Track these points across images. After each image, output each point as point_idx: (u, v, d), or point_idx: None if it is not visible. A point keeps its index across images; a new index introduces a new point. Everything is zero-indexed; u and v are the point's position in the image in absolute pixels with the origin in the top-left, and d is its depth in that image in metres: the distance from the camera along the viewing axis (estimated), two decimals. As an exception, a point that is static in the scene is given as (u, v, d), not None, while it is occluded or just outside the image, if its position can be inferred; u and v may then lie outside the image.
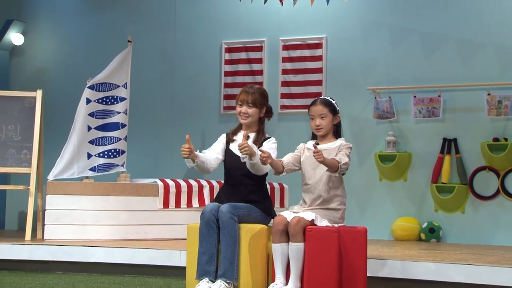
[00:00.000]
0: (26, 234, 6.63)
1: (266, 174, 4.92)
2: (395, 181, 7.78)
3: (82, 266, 6.01)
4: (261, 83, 8.27)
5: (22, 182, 7.43)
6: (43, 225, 6.80)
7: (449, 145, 7.58)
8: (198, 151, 4.82)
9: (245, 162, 4.71)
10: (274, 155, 4.79)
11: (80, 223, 6.68)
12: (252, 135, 4.92)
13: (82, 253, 6.01)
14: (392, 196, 7.79)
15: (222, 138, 5.04)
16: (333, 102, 4.79)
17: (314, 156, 4.45)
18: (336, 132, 4.79)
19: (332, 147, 4.71)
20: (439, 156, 7.58)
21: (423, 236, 7.46)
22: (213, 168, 4.91)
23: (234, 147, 4.93)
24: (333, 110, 4.76)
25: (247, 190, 4.83)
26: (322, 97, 4.88)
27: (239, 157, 4.81)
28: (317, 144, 4.70)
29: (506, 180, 7.37)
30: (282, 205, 7.41)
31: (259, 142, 4.89)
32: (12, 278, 5.58)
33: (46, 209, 6.77)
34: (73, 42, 9.20)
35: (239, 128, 5.02)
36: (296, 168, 4.80)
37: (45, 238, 6.70)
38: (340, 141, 4.75)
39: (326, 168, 4.54)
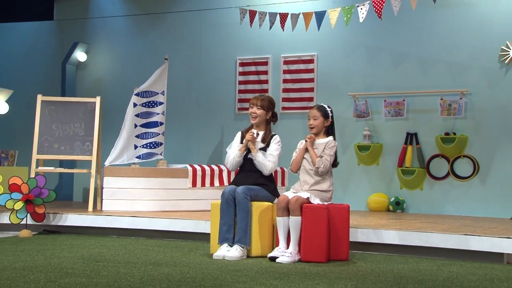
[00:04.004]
0: (89, 206, 6.64)
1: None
2: (370, 165, 7.74)
3: (131, 231, 6.01)
4: (266, 90, 8.24)
5: (86, 166, 7.44)
6: (102, 199, 6.81)
7: (411, 138, 7.53)
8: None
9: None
10: (277, 153, 4.79)
11: (129, 198, 6.68)
12: (261, 133, 4.89)
13: (131, 221, 6.01)
14: (367, 177, 7.76)
15: (238, 137, 4.98)
16: (328, 109, 4.76)
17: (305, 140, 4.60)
18: (327, 132, 4.76)
19: (321, 143, 4.73)
20: (404, 146, 7.53)
21: (391, 207, 7.43)
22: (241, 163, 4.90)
23: (247, 143, 4.91)
24: (325, 115, 4.73)
25: (257, 175, 4.80)
26: (320, 104, 4.86)
27: (250, 150, 4.81)
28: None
29: (454, 165, 7.33)
30: (283, 184, 7.37)
31: (266, 139, 4.86)
32: (79, 240, 5.61)
33: (103, 187, 6.78)
34: (123, 59, 9.17)
35: (251, 127, 4.98)
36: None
37: (103, 209, 6.71)
38: (328, 139, 4.73)
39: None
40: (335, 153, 4.69)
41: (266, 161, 4.72)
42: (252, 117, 4.87)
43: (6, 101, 7.68)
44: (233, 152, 4.85)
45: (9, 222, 6.05)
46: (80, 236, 5.98)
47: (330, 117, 4.75)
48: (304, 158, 4.72)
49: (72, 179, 9.00)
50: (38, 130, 6.77)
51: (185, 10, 8.85)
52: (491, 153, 7.19)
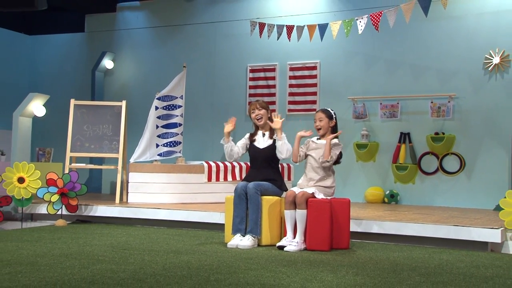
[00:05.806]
0: (116, 198, 6.66)
1: (279, 160, 4.90)
2: (367, 162, 7.71)
3: (153, 222, 6.04)
4: (274, 94, 8.23)
5: (113, 163, 7.46)
6: (127, 192, 6.83)
7: (405, 137, 7.49)
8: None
9: (262, 153, 4.72)
10: (286, 145, 4.77)
11: (151, 191, 6.69)
12: (267, 133, 4.89)
13: (153, 212, 6.03)
14: (365, 172, 7.73)
15: (246, 138, 5.00)
16: (332, 112, 4.76)
17: (325, 138, 4.58)
18: (332, 132, 4.75)
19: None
20: (398, 145, 7.50)
21: (386, 200, 7.41)
22: (237, 157, 4.91)
23: (256, 143, 4.90)
24: (329, 117, 4.74)
25: (266, 172, 4.81)
26: (324, 107, 4.89)
27: (260, 149, 4.81)
28: (318, 139, 4.77)
29: (443, 161, 7.29)
30: (289, 179, 7.37)
31: (273, 137, 4.86)
32: (108, 230, 5.64)
33: (129, 182, 6.79)
34: (146, 66, 9.18)
35: (256, 130, 4.99)
36: (304, 158, 4.77)
37: (128, 201, 6.72)
38: (334, 140, 4.70)
39: (323, 155, 4.57)
40: (340, 153, 4.69)
41: (287, 143, 4.74)
42: (257, 119, 4.88)
43: (43, 105, 7.71)
44: (237, 149, 4.91)
45: (47, 213, 6.13)
46: (109, 225, 6.01)
47: (334, 119, 4.75)
48: (311, 156, 4.71)
49: (101, 174, 9.03)
50: (71, 131, 6.80)
51: (200, 22, 8.84)
52: (476, 150, 7.15)
